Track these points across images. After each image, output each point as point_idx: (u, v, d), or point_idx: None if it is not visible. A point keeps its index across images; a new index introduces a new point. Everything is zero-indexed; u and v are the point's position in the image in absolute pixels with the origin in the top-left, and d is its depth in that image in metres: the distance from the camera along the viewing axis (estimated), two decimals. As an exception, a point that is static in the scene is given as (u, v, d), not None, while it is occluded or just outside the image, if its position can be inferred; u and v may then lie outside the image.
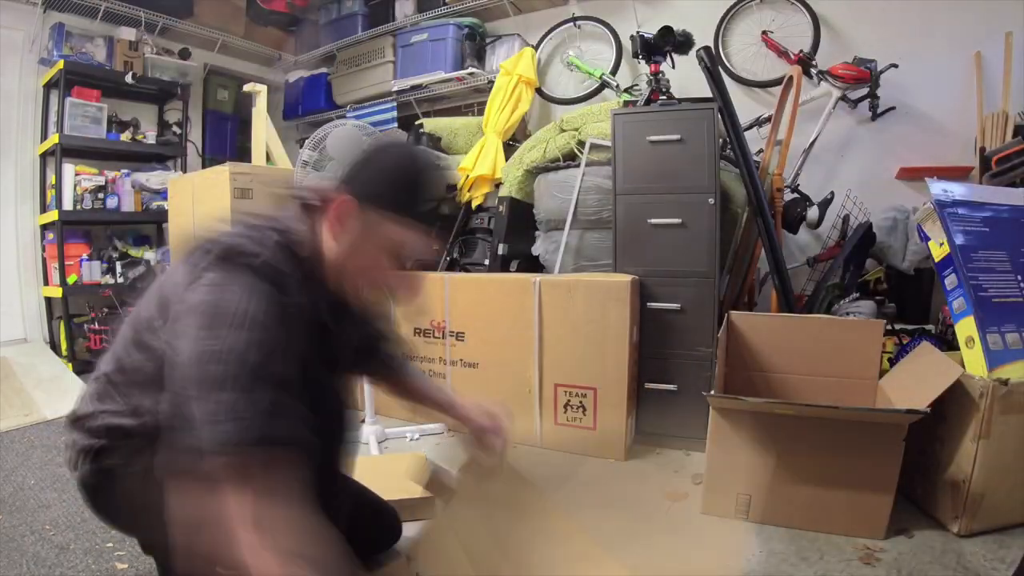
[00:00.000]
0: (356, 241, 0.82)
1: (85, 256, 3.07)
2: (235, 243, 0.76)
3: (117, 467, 0.81)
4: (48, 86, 3.08)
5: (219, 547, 0.62)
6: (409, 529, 1.38)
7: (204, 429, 0.63)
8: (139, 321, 0.82)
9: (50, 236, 3.09)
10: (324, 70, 4.01)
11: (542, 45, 3.27)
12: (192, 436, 0.64)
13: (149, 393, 0.78)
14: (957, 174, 2.34)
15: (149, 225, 3.51)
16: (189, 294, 0.71)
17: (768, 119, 2.47)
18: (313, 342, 0.81)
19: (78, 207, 3.02)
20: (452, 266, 2.62)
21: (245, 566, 0.61)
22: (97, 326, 2.96)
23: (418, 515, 1.44)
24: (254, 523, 0.62)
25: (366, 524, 1.17)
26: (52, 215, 2.99)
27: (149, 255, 3.29)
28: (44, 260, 3.19)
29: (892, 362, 1.84)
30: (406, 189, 0.83)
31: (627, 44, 2.98)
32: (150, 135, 3.39)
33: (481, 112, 3.10)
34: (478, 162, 2.65)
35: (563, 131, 2.34)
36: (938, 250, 1.47)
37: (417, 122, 3.10)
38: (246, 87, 2.89)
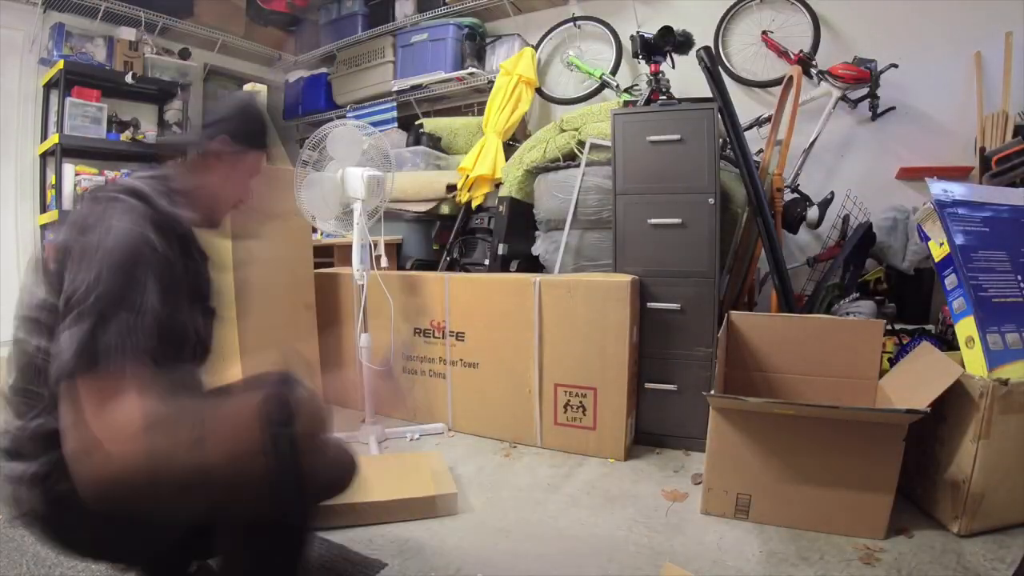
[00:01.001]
0: (224, 174, 0.99)
1: (85, 256, 3.07)
2: (99, 184, 0.89)
3: (68, 491, 0.72)
4: (48, 86, 3.08)
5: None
6: (414, 529, 1.39)
7: (65, 354, 0.70)
8: (30, 309, 0.82)
9: (50, 236, 3.09)
10: (324, 70, 4.01)
11: (542, 45, 3.27)
12: (58, 365, 0.71)
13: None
14: (957, 174, 2.34)
15: (149, 225, 3.50)
16: (62, 237, 0.80)
17: (768, 119, 2.47)
18: (181, 269, 0.88)
19: (78, 207, 3.02)
20: (452, 266, 2.62)
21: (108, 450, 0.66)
22: (97, 326, 2.95)
23: (419, 514, 1.44)
24: (107, 415, 0.68)
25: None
26: (52, 215, 2.99)
27: (149, 255, 3.29)
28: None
29: (892, 362, 1.83)
30: (257, 126, 1.02)
31: (627, 44, 2.98)
32: (150, 135, 3.38)
33: (481, 112, 3.11)
34: (478, 162, 2.65)
35: (563, 131, 2.34)
36: (938, 250, 1.47)
37: (417, 122, 3.11)
38: (246, 87, 2.88)
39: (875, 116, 2.47)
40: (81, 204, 0.87)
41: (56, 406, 0.73)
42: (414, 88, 3.47)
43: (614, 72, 3.03)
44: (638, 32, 2.14)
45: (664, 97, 2.10)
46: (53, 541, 0.81)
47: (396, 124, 3.56)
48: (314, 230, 2.42)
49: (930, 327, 2.20)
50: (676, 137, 1.86)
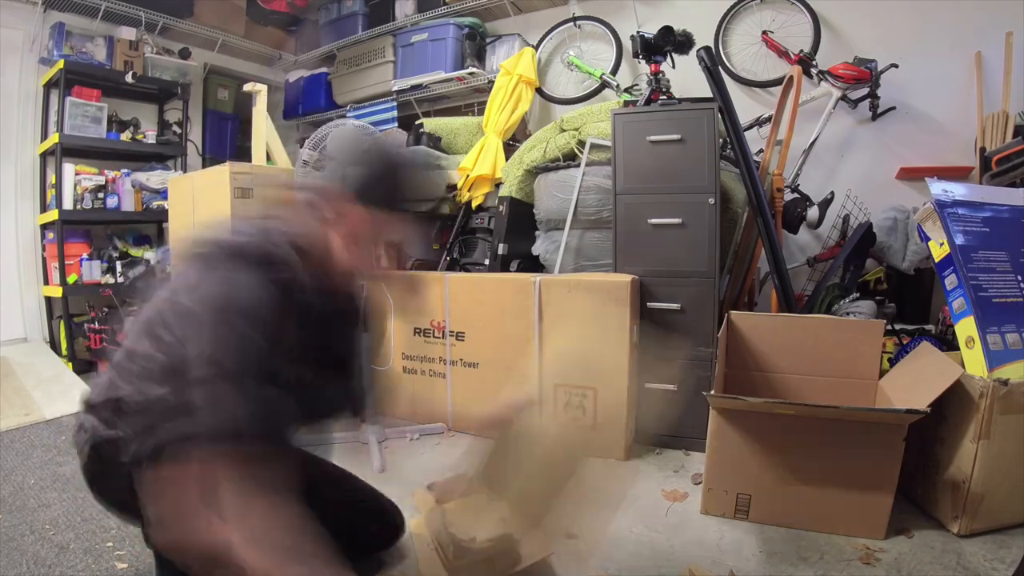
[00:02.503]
0: (365, 243, 0.88)
1: (85, 256, 3.07)
2: (248, 241, 0.81)
3: (114, 457, 0.83)
4: (48, 86, 3.08)
5: (199, 534, 0.67)
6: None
7: (204, 415, 0.69)
8: (151, 311, 0.85)
9: (50, 236, 3.09)
10: (324, 70, 4.01)
11: (542, 45, 3.27)
12: (190, 422, 0.69)
13: (156, 382, 0.81)
14: (957, 174, 2.34)
15: (149, 225, 3.50)
16: (202, 287, 0.76)
17: (768, 119, 2.47)
18: (316, 339, 0.87)
19: (78, 207, 3.02)
20: (452, 266, 2.62)
21: (236, 559, 0.65)
22: (97, 326, 2.95)
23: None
24: (239, 515, 0.67)
25: (365, 521, 1.18)
26: (52, 215, 2.99)
27: (149, 255, 3.29)
28: (44, 260, 3.19)
29: (892, 362, 1.84)
30: (410, 192, 0.89)
31: (627, 44, 2.98)
32: (150, 135, 3.38)
33: (481, 112, 3.11)
34: (478, 162, 2.65)
35: (563, 131, 2.34)
36: (938, 250, 1.47)
37: (417, 122, 3.10)
38: (246, 87, 2.88)
39: (875, 116, 2.47)
40: (191, 263, 0.80)
41: (136, 395, 0.81)
42: (414, 88, 3.47)
43: (614, 72, 3.02)
44: (638, 32, 2.14)
45: (664, 97, 2.10)
46: (92, 491, 0.91)
47: (396, 124, 3.55)
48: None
49: (930, 327, 2.20)
50: (676, 137, 1.86)
